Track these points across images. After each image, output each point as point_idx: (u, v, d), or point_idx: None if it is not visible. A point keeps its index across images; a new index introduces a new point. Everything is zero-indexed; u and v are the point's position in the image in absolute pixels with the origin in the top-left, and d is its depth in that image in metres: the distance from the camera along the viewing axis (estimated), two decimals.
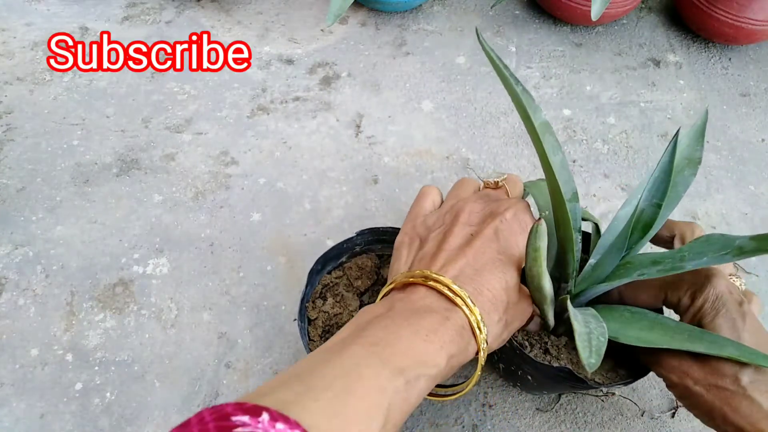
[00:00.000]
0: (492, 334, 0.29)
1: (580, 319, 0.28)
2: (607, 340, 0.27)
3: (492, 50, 0.27)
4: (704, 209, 0.54)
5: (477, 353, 0.28)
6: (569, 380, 0.33)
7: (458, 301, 0.28)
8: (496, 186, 0.36)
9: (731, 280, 0.34)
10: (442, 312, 0.27)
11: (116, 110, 0.60)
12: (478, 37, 0.28)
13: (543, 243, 0.29)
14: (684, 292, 0.32)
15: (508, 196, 0.36)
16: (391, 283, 0.31)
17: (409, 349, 0.25)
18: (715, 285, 0.31)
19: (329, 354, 0.25)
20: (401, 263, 0.32)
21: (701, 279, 0.32)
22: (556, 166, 0.29)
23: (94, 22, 0.68)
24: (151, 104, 0.60)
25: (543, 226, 0.29)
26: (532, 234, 0.29)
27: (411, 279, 0.29)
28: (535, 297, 0.31)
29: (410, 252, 0.33)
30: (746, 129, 0.62)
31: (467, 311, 0.27)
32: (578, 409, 0.42)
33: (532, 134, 0.28)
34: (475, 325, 0.28)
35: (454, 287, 0.28)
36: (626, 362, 0.35)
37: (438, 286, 0.28)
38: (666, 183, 0.30)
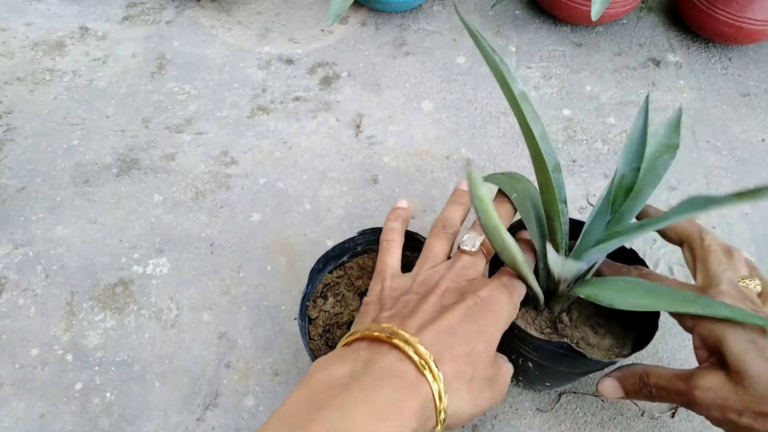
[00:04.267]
0: (453, 406, 0.27)
1: None
2: None
3: (470, 24, 0.28)
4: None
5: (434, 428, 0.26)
6: (569, 357, 0.33)
7: (423, 365, 0.26)
8: (474, 254, 0.34)
9: (745, 284, 0.33)
10: (406, 379, 0.26)
11: (116, 110, 0.60)
12: (457, 12, 0.28)
13: (485, 191, 0.27)
14: (704, 355, 0.31)
15: (487, 261, 0.35)
16: (355, 332, 0.29)
17: None
18: (731, 348, 0.29)
19: None
20: (366, 318, 0.31)
21: (710, 286, 0.31)
22: (537, 134, 0.29)
23: (94, 22, 0.68)
24: (151, 104, 0.60)
25: (476, 173, 0.27)
26: (470, 183, 0.27)
27: (377, 334, 0.28)
28: (504, 259, 0.31)
29: (376, 309, 0.32)
30: (746, 129, 0.62)
31: (431, 379, 0.26)
32: (578, 409, 0.42)
33: (511, 102, 0.28)
34: (436, 395, 0.26)
35: (420, 348, 0.26)
36: (625, 338, 0.35)
37: (404, 346, 0.27)
38: (642, 146, 0.30)
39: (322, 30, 0.69)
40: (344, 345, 0.29)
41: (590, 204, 0.54)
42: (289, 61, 0.65)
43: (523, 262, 0.31)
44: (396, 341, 0.27)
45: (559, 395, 0.43)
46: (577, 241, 0.33)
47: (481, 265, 0.34)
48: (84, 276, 0.48)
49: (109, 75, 0.63)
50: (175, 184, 0.54)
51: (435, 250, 0.35)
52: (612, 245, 0.30)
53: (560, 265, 0.29)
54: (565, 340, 0.35)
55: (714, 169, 0.58)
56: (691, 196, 0.28)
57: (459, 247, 0.35)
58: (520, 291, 0.32)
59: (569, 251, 0.34)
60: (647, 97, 0.31)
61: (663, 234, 0.38)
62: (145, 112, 0.60)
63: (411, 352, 0.26)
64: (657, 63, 0.68)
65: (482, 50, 0.29)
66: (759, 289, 0.33)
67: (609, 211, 0.31)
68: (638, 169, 0.31)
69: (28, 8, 0.70)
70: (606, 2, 0.51)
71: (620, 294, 0.31)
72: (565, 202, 0.33)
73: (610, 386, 0.34)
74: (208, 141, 0.57)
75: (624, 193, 0.32)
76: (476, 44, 0.29)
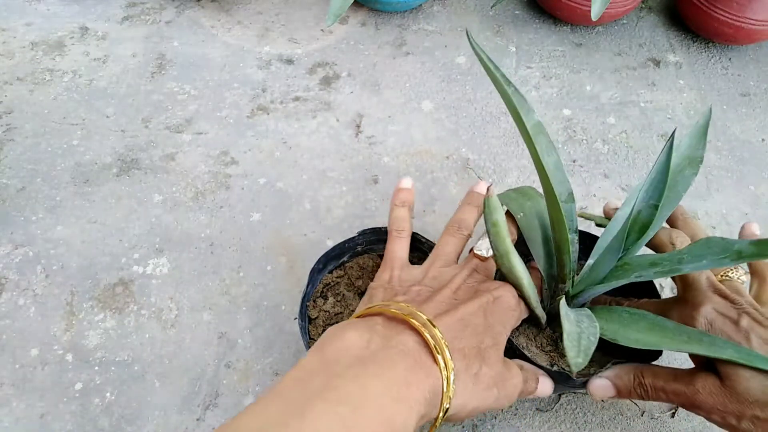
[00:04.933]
0: (459, 398, 0.27)
1: (572, 319, 0.28)
2: (597, 340, 0.26)
3: (483, 52, 0.27)
4: (704, 209, 0.54)
5: (435, 418, 0.26)
6: (569, 380, 0.33)
7: (437, 350, 0.26)
8: (485, 259, 0.34)
9: (729, 276, 0.33)
10: (420, 361, 0.26)
11: (116, 110, 0.60)
12: (470, 40, 0.28)
13: (500, 216, 0.29)
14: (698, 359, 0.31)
15: (498, 267, 0.35)
16: (373, 307, 0.29)
17: (378, 415, 0.23)
18: (703, 314, 0.30)
19: (291, 407, 0.22)
20: (376, 300, 0.31)
21: (688, 311, 0.31)
22: (550, 167, 0.29)
23: (94, 22, 0.68)
24: (151, 104, 0.60)
25: (495, 199, 0.28)
26: (486, 208, 0.28)
27: (395, 311, 0.28)
28: (510, 280, 0.31)
29: (387, 293, 0.32)
30: (746, 129, 0.62)
31: (442, 365, 0.26)
32: (578, 409, 0.42)
33: (524, 136, 0.28)
34: (445, 382, 0.26)
35: (437, 333, 0.26)
36: (628, 356, 0.35)
37: (421, 328, 0.27)
38: (663, 184, 0.30)
39: (322, 30, 0.69)
40: (358, 317, 0.29)
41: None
42: (289, 61, 0.65)
43: (529, 286, 0.31)
44: (413, 322, 0.27)
45: (559, 395, 0.43)
46: (584, 270, 0.33)
47: (492, 270, 0.35)
48: (84, 276, 0.48)
49: (109, 75, 0.63)
50: (175, 184, 0.54)
51: (448, 249, 0.35)
52: (619, 282, 0.30)
53: (571, 316, 0.28)
54: (566, 367, 0.35)
55: (714, 169, 0.58)
56: (708, 237, 0.28)
57: (472, 251, 0.35)
58: (524, 311, 0.33)
59: (576, 275, 0.34)
60: (673, 133, 0.29)
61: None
62: (145, 112, 0.60)
63: (427, 335, 0.26)
64: (657, 63, 0.68)
65: (495, 82, 0.28)
66: (745, 278, 0.33)
67: (621, 248, 0.30)
68: (656, 207, 0.30)
69: (28, 8, 0.70)
70: (606, 2, 0.51)
71: (624, 328, 0.30)
72: (576, 231, 0.33)
73: (600, 386, 0.33)
74: (208, 141, 0.57)
75: (638, 230, 0.31)
76: (489, 75, 0.27)
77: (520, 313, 0.32)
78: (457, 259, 0.36)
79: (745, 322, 0.29)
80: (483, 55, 0.27)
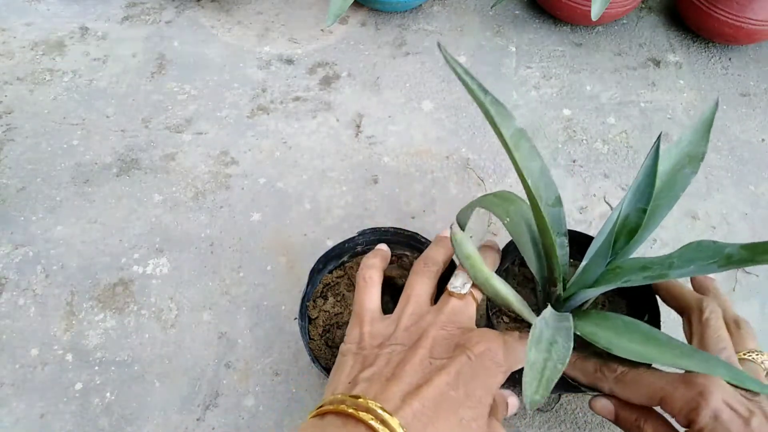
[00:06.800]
0: None
1: (543, 341, 0.26)
2: (564, 367, 0.25)
3: (458, 64, 0.27)
4: (704, 209, 0.54)
5: None
6: (563, 385, 0.33)
7: None
8: (462, 297, 0.32)
9: (751, 359, 0.31)
10: None
11: (116, 110, 0.60)
12: (442, 53, 0.27)
13: (470, 249, 0.29)
14: (677, 410, 0.28)
15: (477, 304, 0.32)
16: (327, 405, 0.26)
17: None
18: (711, 404, 0.27)
19: None
20: (344, 374, 0.29)
21: (694, 396, 0.28)
22: (535, 173, 0.29)
23: (94, 22, 0.68)
24: (151, 104, 0.60)
25: (459, 234, 0.29)
26: (454, 245, 0.29)
27: (352, 411, 0.25)
28: (499, 304, 0.31)
29: (356, 362, 0.29)
30: (746, 129, 0.62)
31: None
32: (578, 409, 0.42)
33: (504, 146, 0.27)
34: None
35: (398, 429, 0.24)
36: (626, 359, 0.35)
37: (380, 428, 0.24)
38: (650, 187, 0.29)
39: (322, 30, 0.69)
40: (315, 416, 0.27)
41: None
42: (289, 61, 0.65)
43: (518, 302, 0.30)
44: (371, 422, 0.24)
45: (559, 395, 0.43)
46: (576, 275, 0.33)
47: (472, 309, 0.32)
48: (84, 276, 0.48)
49: (109, 75, 0.63)
50: (175, 184, 0.54)
51: (417, 290, 0.33)
52: (609, 286, 0.30)
53: (543, 339, 0.27)
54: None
55: (714, 169, 0.58)
56: (699, 241, 0.27)
57: (447, 290, 0.32)
58: (514, 365, 0.30)
59: (568, 280, 0.33)
60: (659, 137, 0.28)
61: (662, 298, 0.36)
62: (145, 112, 0.60)
63: None
64: (657, 63, 0.68)
65: (470, 92, 0.27)
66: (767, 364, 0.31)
67: (609, 253, 0.29)
68: (644, 210, 0.29)
69: (28, 8, 0.70)
70: (606, 2, 0.51)
71: (618, 337, 0.30)
72: (566, 234, 0.32)
73: (603, 406, 0.32)
74: (208, 141, 0.57)
75: (627, 234, 0.30)
76: (464, 85, 0.27)
77: (508, 369, 0.29)
78: (431, 299, 0.33)
79: (756, 422, 0.26)
80: (458, 68, 0.27)
